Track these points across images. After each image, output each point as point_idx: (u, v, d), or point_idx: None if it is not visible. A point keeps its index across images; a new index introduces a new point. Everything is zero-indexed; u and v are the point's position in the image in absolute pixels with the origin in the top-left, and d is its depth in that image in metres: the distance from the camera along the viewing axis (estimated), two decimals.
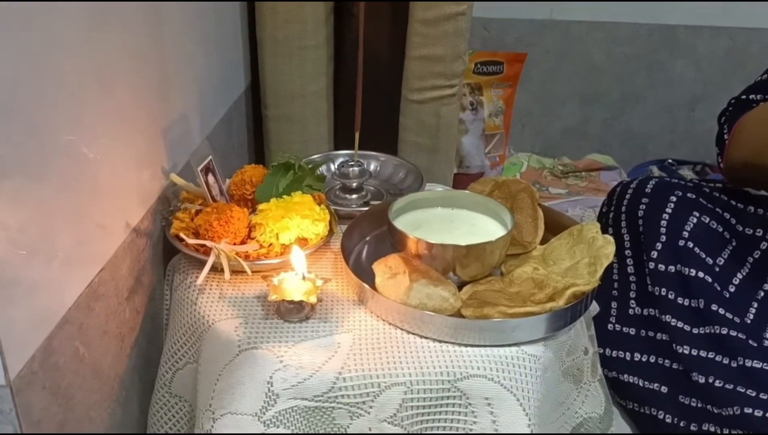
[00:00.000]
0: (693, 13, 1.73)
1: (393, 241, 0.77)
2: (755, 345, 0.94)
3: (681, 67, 1.79)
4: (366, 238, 0.85)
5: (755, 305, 1.01)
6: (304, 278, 0.70)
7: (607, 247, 0.75)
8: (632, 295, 1.06)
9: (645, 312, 1.04)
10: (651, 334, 1.03)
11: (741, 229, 1.07)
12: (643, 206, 1.05)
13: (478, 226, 0.79)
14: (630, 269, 1.07)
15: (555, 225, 0.83)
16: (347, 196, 0.93)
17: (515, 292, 0.73)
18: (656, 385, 1.01)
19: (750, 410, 0.89)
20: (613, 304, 1.08)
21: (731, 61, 1.77)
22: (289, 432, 0.63)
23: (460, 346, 0.67)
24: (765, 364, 0.92)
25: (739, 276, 1.04)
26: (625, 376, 1.04)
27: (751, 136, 1.02)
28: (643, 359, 1.03)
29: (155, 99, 0.78)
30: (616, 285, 1.09)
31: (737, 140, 1.04)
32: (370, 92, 1.15)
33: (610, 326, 1.08)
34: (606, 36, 1.76)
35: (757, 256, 1.06)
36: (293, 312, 0.70)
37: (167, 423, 0.76)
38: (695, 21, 1.74)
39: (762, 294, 1.02)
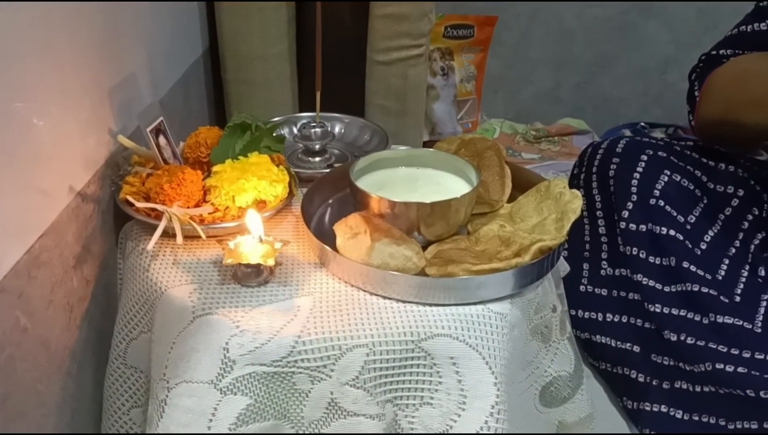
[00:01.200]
0: None
1: (355, 202, 0.74)
2: (726, 301, 0.94)
3: (652, 29, 1.77)
4: (328, 200, 0.82)
5: (726, 262, 1.00)
6: (261, 241, 0.67)
7: (574, 202, 0.72)
8: (604, 255, 1.05)
9: (617, 272, 1.03)
10: (623, 294, 1.02)
11: (712, 186, 1.06)
12: (613, 166, 1.04)
13: (443, 185, 0.76)
14: (601, 230, 1.05)
15: (523, 182, 0.81)
16: (310, 158, 0.90)
17: (481, 250, 0.71)
18: (628, 344, 1.00)
19: (721, 366, 0.89)
20: (585, 266, 1.07)
21: (703, 22, 1.75)
22: (247, 399, 0.61)
23: (424, 306, 0.64)
24: (736, 319, 0.92)
25: (711, 233, 1.03)
26: (598, 336, 1.04)
27: (721, 92, 1.00)
28: (615, 319, 1.02)
29: (99, 58, 0.74)
30: (587, 246, 1.08)
31: (707, 97, 1.02)
32: (336, 54, 1.12)
33: (582, 287, 1.07)
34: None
35: (728, 213, 1.05)
36: (251, 276, 0.67)
37: (123, 395, 0.73)
38: None
39: (733, 250, 1.02)
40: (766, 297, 0.95)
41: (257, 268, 0.66)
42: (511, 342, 0.65)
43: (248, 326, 0.61)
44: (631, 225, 0.99)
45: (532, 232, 0.73)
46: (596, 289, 1.06)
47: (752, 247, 1.03)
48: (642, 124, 1.81)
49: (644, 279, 0.98)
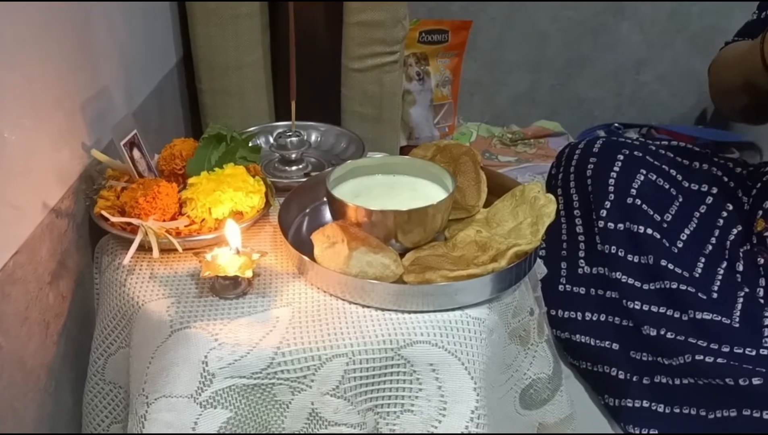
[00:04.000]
0: None
1: (332, 211, 0.74)
2: (704, 298, 0.95)
3: (625, 30, 1.79)
4: (306, 209, 0.82)
5: (702, 260, 1.02)
6: (238, 252, 0.67)
7: (548, 206, 0.73)
8: (581, 254, 1.06)
9: (595, 271, 1.04)
10: (601, 292, 1.03)
11: (687, 185, 1.08)
12: (591, 166, 1.05)
13: (419, 192, 0.77)
14: (579, 229, 1.07)
15: (499, 188, 0.82)
16: (287, 168, 0.90)
17: (458, 255, 0.71)
18: (607, 342, 1.01)
19: (701, 357, 0.90)
20: (563, 265, 1.08)
21: (674, 22, 1.78)
22: (227, 412, 0.61)
23: (403, 313, 0.65)
24: (714, 315, 0.94)
25: (687, 231, 1.05)
26: (578, 336, 1.05)
27: (713, 80, 1.05)
28: (594, 318, 1.03)
29: (71, 70, 0.73)
30: (565, 245, 1.09)
31: (709, 83, 1.07)
32: (311, 62, 1.12)
33: (560, 287, 1.08)
34: (550, 1, 1.75)
35: (703, 211, 1.07)
36: (229, 288, 0.66)
37: (102, 411, 0.73)
38: None
39: (710, 247, 1.04)
40: (742, 294, 0.97)
41: (235, 280, 0.66)
42: (490, 346, 0.65)
43: (227, 339, 0.61)
44: (609, 224, 1.01)
45: (508, 236, 0.74)
46: (575, 288, 1.07)
47: (728, 243, 1.05)
48: (616, 124, 1.83)
49: (623, 277, 0.99)
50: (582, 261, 1.06)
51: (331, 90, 1.17)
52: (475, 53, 1.77)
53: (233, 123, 1.12)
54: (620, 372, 0.99)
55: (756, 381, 0.85)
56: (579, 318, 1.05)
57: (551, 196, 0.75)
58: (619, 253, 1.00)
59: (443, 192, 0.75)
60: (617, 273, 1.00)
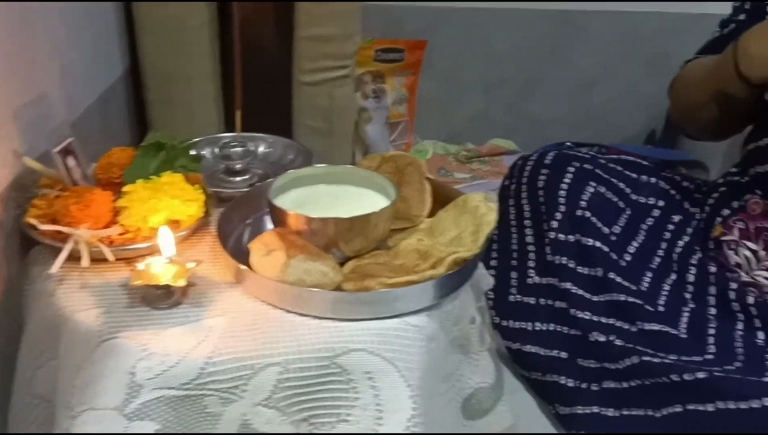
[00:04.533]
0: None
1: (273, 220, 0.73)
2: (651, 310, 0.97)
3: (578, 52, 1.84)
4: (248, 220, 0.81)
5: (649, 274, 1.04)
6: (172, 261, 0.65)
7: (489, 215, 0.74)
8: (531, 264, 1.07)
9: (545, 281, 1.05)
10: (550, 302, 1.04)
11: (635, 198, 1.10)
12: (542, 177, 1.06)
13: (362, 201, 0.76)
14: (529, 239, 1.07)
15: (443, 198, 0.82)
16: (232, 178, 0.89)
17: (399, 264, 0.71)
18: (556, 351, 1.01)
19: (648, 357, 0.90)
20: (513, 275, 1.09)
21: (625, 44, 1.83)
22: (155, 425, 0.59)
23: (341, 322, 0.64)
24: (662, 326, 0.95)
25: (635, 244, 1.06)
26: (528, 346, 1.05)
27: (673, 97, 1.09)
28: (544, 328, 1.04)
29: (5, 76, 0.71)
30: (515, 256, 1.10)
31: (672, 100, 1.10)
32: (262, 74, 1.12)
33: (511, 298, 1.08)
34: (506, 22, 1.79)
35: (650, 223, 1.09)
36: (161, 298, 0.65)
37: (30, 426, 0.70)
38: (590, 6, 1.79)
39: (657, 260, 1.05)
40: (687, 309, 0.98)
41: (167, 290, 0.64)
42: (428, 354, 0.65)
43: (156, 349, 0.59)
44: (559, 235, 1.02)
45: (450, 245, 0.74)
46: (525, 299, 1.07)
47: (675, 255, 1.06)
48: (568, 143, 1.86)
49: (573, 287, 1.00)
50: (532, 271, 1.07)
51: (283, 103, 1.16)
52: (431, 72, 1.79)
53: (181, 134, 1.11)
54: (569, 380, 1.00)
55: (700, 375, 0.86)
56: (529, 328, 1.05)
57: (492, 205, 0.75)
58: (569, 265, 1.01)
59: (387, 201, 0.75)
60: (567, 284, 1.01)
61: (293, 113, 1.16)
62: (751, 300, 0.96)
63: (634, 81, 1.86)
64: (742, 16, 1.06)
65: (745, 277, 0.99)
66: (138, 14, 1.06)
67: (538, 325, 1.04)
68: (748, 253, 1.01)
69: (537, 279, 1.06)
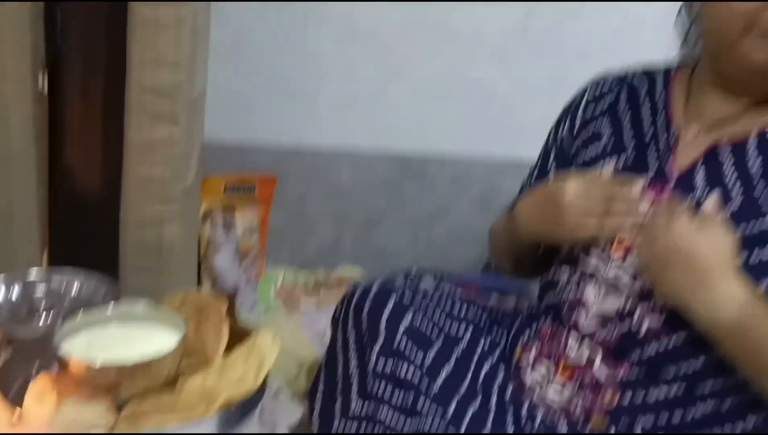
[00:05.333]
0: (422, 143, 2.00)
1: (59, 365, 0.75)
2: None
3: (416, 190, 2.03)
4: (37, 363, 0.82)
5: (456, 398, 1.13)
6: None
7: (271, 353, 0.81)
8: (354, 388, 1.13)
9: (366, 405, 1.10)
10: (370, 427, 1.09)
11: (448, 328, 1.21)
12: (367, 305, 1.15)
13: (154, 343, 0.80)
14: (353, 365, 1.14)
15: (242, 337, 0.88)
16: (32, 319, 0.90)
17: (181, 403, 0.75)
18: None
19: None
20: (339, 401, 1.14)
21: (457, 185, 2.05)
22: None
23: None
24: None
25: (444, 373, 1.16)
26: None
27: (490, 248, 1.25)
28: None
29: None
30: (340, 382, 1.15)
31: (489, 243, 1.25)
32: (90, 213, 1.16)
33: (336, 423, 1.12)
34: (350, 164, 1.97)
35: (459, 354, 1.20)
36: None
37: None
38: (424, 154, 2.01)
39: (465, 385, 1.15)
40: (486, 430, 1.08)
41: None
42: None
43: None
44: (379, 362, 1.09)
45: (236, 383, 0.79)
46: (348, 423, 1.12)
47: (480, 379, 1.17)
48: (414, 269, 2.01)
49: (389, 412, 1.07)
50: (354, 396, 1.12)
51: (109, 241, 1.20)
52: (282, 203, 1.90)
53: None
54: None
55: None
56: None
57: (276, 343, 0.82)
58: (386, 391, 1.08)
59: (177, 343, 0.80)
60: (383, 407, 1.07)
61: (120, 252, 1.20)
62: (539, 418, 1.08)
63: (468, 217, 2.06)
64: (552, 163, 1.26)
65: (536, 396, 1.11)
66: None
67: None
68: (543, 372, 1.14)
69: (360, 404, 1.11)
